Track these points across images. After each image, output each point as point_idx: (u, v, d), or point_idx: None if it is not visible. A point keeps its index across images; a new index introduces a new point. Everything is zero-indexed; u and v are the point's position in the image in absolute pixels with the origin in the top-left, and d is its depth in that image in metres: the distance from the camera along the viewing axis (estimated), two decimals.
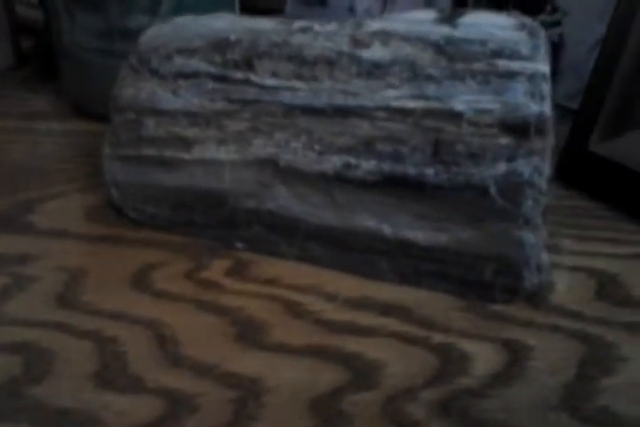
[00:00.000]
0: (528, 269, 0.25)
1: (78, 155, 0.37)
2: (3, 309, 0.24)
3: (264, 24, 0.28)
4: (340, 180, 0.26)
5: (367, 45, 0.26)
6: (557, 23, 0.50)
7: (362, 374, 0.22)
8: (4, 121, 0.41)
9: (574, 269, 0.29)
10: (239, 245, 0.29)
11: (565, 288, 0.28)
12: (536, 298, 0.26)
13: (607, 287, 0.28)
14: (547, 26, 0.51)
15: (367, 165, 0.26)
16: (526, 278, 0.25)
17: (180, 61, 0.28)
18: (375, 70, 0.26)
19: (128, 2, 0.37)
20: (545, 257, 0.25)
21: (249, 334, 0.24)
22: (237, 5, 0.44)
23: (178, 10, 0.38)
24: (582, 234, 0.32)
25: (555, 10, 0.50)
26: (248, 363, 0.22)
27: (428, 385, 0.22)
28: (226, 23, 0.29)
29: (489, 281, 0.26)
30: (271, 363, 0.22)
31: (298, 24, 0.28)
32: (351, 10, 0.56)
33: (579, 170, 0.36)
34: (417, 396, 0.21)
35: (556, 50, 0.49)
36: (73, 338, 0.23)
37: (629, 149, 0.34)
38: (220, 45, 0.28)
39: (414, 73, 0.25)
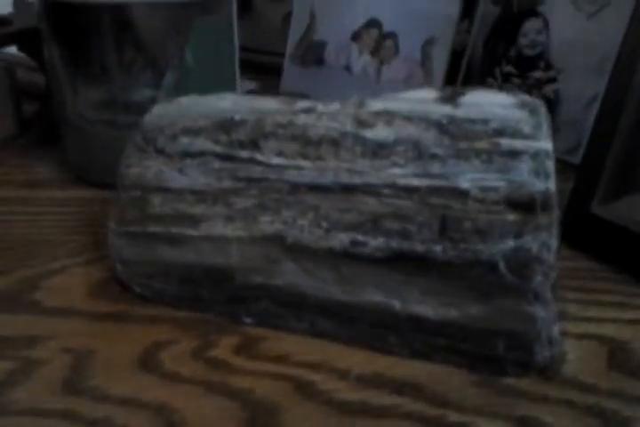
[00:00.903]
0: (540, 344, 0.25)
1: (80, 225, 0.37)
2: (9, 397, 0.23)
3: (267, 104, 0.29)
4: (348, 256, 0.26)
5: (371, 125, 0.27)
6: (553, 80, 0.51)
7: None
8: (5, 190, 0.41)
9: (584, 336, 0.29)
10: (247, 320, 0.28)
11: (576, 358, 0.27)
12: (548, 371, 0.26)
13: (618, 356, 0.28)
14: (542, 83, 0.52)
15: (375, 242, 0.26)
16: (538, 353, 0.25)
17: (185, 141, 0.29)
18: (380, 150, 0.26)
19: (131, 75, 0.38)
20: (556, 330, 0.25)
21: (261, 418, 0.23)
22: (238, 72, 0.45)
23: (180, 84, 0.39)
24: (587, 298, 0.32)
25: (549, 67, 0.51)
26: None
27: None
28: (230, 103, 0.30)
29: (501, 356, 0.26)
30: None
31: (301, 104, 0.29)
32: (347, 69, 0.58)
33: (581, 231, 0.36)
34: None
35: (553, 106, 0.50)
36: None
37: (632, 212, 0.34)
38: (225, 125, 0.28)
39: (419, 152, 0.26)
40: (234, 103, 0.30)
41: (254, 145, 0.28)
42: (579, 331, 0.29)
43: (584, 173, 0.36)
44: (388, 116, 0.27)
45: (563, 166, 0.45)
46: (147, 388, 0.24)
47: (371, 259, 0.26)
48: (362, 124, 0.27)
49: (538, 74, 0.51)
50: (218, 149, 0.28)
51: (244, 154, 0.28)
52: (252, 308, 0.28)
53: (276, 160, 0.28)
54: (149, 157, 0.29)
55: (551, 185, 0.25)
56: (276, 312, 0.28)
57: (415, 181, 0.26)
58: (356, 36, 0.57)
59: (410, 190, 0.26)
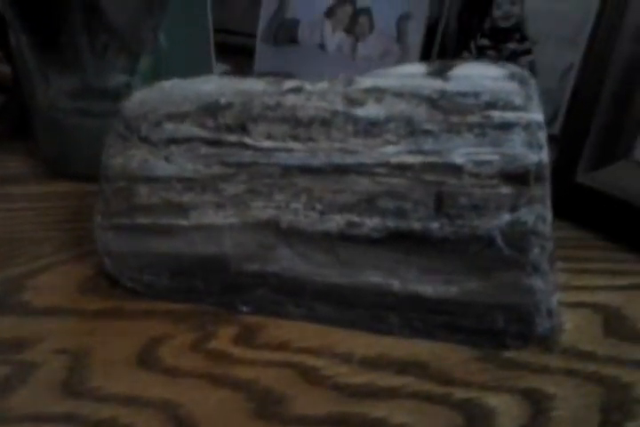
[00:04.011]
0: (539, 315, 0.25)
1: (61, 220, 0.36)
2: (6, 403, 0.23)
3: (253, 85, 0.28)
4: (344, 238, 0.26)
5: (361, 103, 0.26)
6: (528, 51, 0.51)
7: None
8: None
9: (578, 305, 0.29)
10: (244, 308, 0.28)
11: (573, 327, 0.28)
12: (548, 342, 0.26)
13: (613, 322, 0.28)
14: (517, 54, 0.52)
15: (371, 223, 0.25)
16: (538, 324, 0.25)
17: (170, 127, 0.28)
18: (372, 128, 0.26)
19: (104, 61, 0.37)
20: (554, 301, 0.25)
21: (268, 408, 0.23)
22: (213, 55, 0.44)
23: (156, 68, 0.38)
24: (578, 267, 0.32)
25: (524, 38, 0.51)
26: None
27: None
28: (214, 86, 0.29)
29: (501, 329, 0.26)
30: None
31: (288, 84, 0.28)
32: (322, 47, 0.57)
33: (568, 201, 0.36)
34: None
35: None
36: None
37: (617, 179, 0.35)
38: (211, 109, 0.27)
39: (411, 129, 0.26)
40: (218, 86, 0.29)
41: (242, 129, 0.27)
42: (573, 300, 0.29)
43: (567, 143, 0.36)
44: (379, 93, 0.26)
45: None
46: (149, 385, 0.24)
47: (367, 240, 0.26)
48: (352, 102, 0.26)
49: (513, 46, 0.51)
50: (204, 134, 0.27)
51: (233, 138, 0.27)
52: (249, 296, 0.28)
53: (265, 143, 0.27)
54: (133, 146, 0.28)
55: (544, 156, 0.25)
56: (274, 299, 0.28)
57: (409, 159, 0.25)
58: (329, 13, 0.55)
59: (403, 168, 0.25)
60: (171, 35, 0.38)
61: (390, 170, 0.26)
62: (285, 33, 0.58)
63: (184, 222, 0.27)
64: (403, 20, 0.51)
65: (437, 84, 0.26)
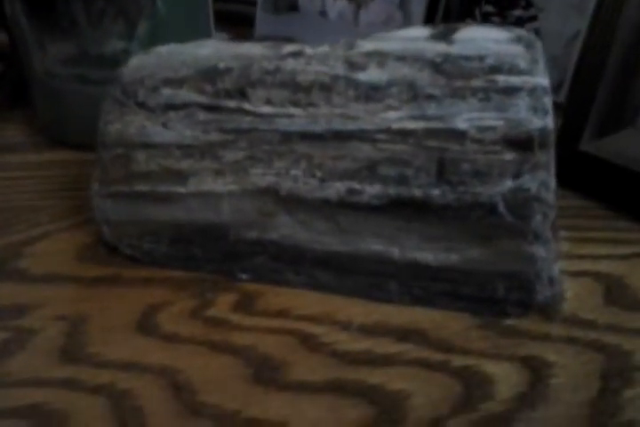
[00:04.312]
0: (540, 283, 0.25)
1: (60, 189, 0.35)
2: (4, 368, 0.23)
3: (252, 49, 0.28)
4: (345, 205, 0.26)
5: (363, 67, 0.26)
6: (533, 18, 0.50)
7: (386, 408, 0.22)
8: None
9: (580, 274, 0.29)
10: (243, 276, 0.28)
11: (574, 296, 0.27)
12: (549, 310, 0.26)
13: (614, 291, 0.28)
14: (522, 21, 0.51)
15: (371, 190, 0.25)
16: (539, 292, 0.25)
17: (167, 92, 0.27)
18: (373, 93, 0.25)
19: (102, 26, 0.36)
20: (556, 269, 0.25)
21: (266, 374, 0.23)
22: (212, 22, 0.43)
23: (154, 34, 0.37)
24: (581, 236, 0.32)
25: (529, 5, 0.50)
26: (269, 406, 0.22)
27: (453, 414, 0.22)
28: (211, 50, 0.28)
29: (502, 297, 0.26)
30: (293, 404, 0.22)
31: (287, 48, 0.27)
32: (323, 14, 0.56)
33: (571, 169, 0.36)
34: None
35: None
36: (84, 395, 0.22)
37: (622, 148, 0.34)
38: (210, 74, 0.27)
39: (413, 93, 0.25)
40: (216, 50, 0.28)
41: (241, 94, 0.26)
42: (574, 269, 0.29)
43: (571, 110, 0.35)
44: (380, 57, 0.26)
45: None
46: (147, 351, 0.24)
47: (368, 207, 0.25)
48: (353, 66, 0.26)
49: (518, 12, 0.50)
50: (203, 99, 0.27)
51: (231, 104, 0.27)
52: (248, 264, 0.28)
53: (264, 109, 0.26)
54: (130, 112, 0.28)
55: (549, 122, 0.24)
56: (273, 267, 0.27)
57: (411, 124, 0.25)
58: None
59: (405, 134, 0.25)
60: (170, 2, 0.37)
61: (392, 136, 0.25)
62: (286, 0, 0.57)
63: (182, 189, 0.27)
64: None
65: (441, 47, 0.25)
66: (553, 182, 0.25)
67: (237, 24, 0.64)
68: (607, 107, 0.35)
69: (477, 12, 0.53)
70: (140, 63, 0.29)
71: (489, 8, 0.52)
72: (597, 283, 0.28)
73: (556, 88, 0.47)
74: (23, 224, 0.31)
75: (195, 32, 0.40)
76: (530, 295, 0.25)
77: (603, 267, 0.29)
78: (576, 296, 0.27)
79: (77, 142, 0.38)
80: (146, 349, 0.24)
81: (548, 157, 0.24)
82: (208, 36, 0.41)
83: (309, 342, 0.24)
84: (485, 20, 0.52)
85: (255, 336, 0.25)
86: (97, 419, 0.21)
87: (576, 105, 0.35)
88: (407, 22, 0.50)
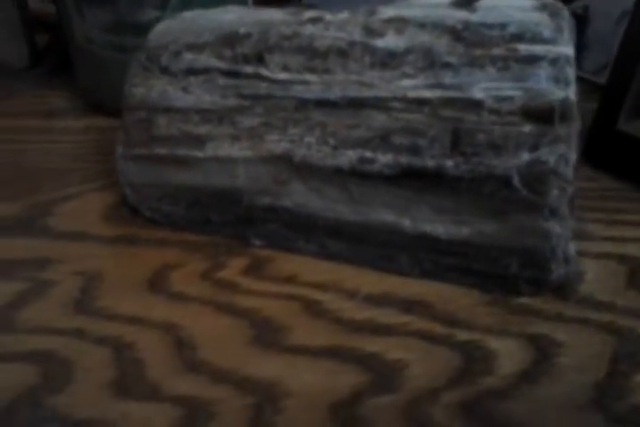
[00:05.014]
0: (555, 261, 0.24)
1: (94, 153, 0.36)
2: (20, 316, 0.24)
3: (274, 15, 0.28)
4: (357, 174, 0.25)
5: (381, 34, 0.25)
6: None
7: (383, 375, 0.22)
8: (21, 120, 0.41)
9: (603, 256, 0.28)
10: (256, 241, 0.28)
11: (594, 278, 0.26)
12: (564, 290, 0.25)
13: (638, 275, 0.27)
14: None
15: (384, 159, 0.25)
16: (553, 270, 0.24)
17: (189, 57, 0.28)
18: (390, 60, 0.25)
19: None
20: (572, 248, 0.24)
21: (267, 336, 0.23)
22: None
23: (188, 3, 0.37)
24: (611, 218, 0.31)
25: None
26: (266, 367, 0.22)
27: (451, 387, 0.21)
28: (235, 16, 0.28)
29: (514, 274, 0.25)
30: (289, 366, 0.22)
31: (308, 14, 0.27)
32: None
33: (607, 150, 0.34)
34: (439, 398, 0.21)
35: (582, 23, 0.47)
36: (91, 345, 0.23)
37: None
38: (230, 39, 0.27)
39: (431, 61, 0.24)
40: (239, 16, 0.28)
41: (259, 59, 0.27)
42: (599, 250, 0.28)
43: (610, 89, 0.34)
44: (400, 24, 0.25)
45: (591, 87, 0.43)
46: (155, 308, 0.24)
47: (380, 176, 0.25)
48: (371, 32, 0.25)
49: None
50: (222, 64, 0.27)
51: (249, 69, 0.27)
52: (261, 230, 0.28)
53: (281, 75, 0.26)
54: (153, 76, 0.28)
55: (571, 93, 0.23)
56: (286, 234, 0.28)
57: (426, 93, 0.24)
58: None
59: (421, 103, 0.24)
60: None
61: (407, 105, 0.25)
62: None
63: (200, 154, 0.27)
64: None
65: (462, 14, 0.25)
66: (573, 157, 0.24)
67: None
68: None
69: None
70: (166, 28, 0.29)
71: None
72: (621, 266, 0.27)
73: (601, 70, 0.45)
74: (54, 184, 0.33)
75: (230, 2, 0.40)
76: (544, 273, 0.24)
77: (629, 250, 0.28)
78: (596, 278, 0.26)
79: (114, 108, 0.39)
80: (154, 305, 0.24)
81: (568, 131, 0.23)
82: (244, 4, 0.41)
83: (313, 308, 0.25)
84: None
85: (261, 300, 0.25)
86: (99, 368, 0.22)
87: (614, 83, 0.33)
88: None
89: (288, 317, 0.24)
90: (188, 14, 0.29)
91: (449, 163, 0.24)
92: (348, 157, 0.25)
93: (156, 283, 0.26)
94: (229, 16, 0.28)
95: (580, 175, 0.33)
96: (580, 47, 0.48)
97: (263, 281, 0.26)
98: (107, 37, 0.38)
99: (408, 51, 0.25)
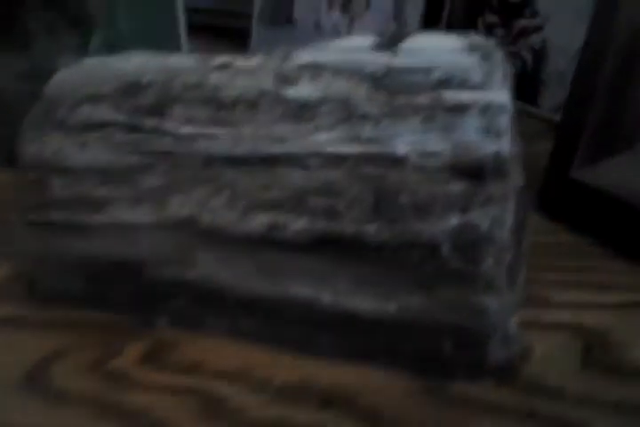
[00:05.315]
0: (493, 342, 0.21)
1: None
2: None
3: (182, 62, 0.25)
4: (269, 242, 0.22)
5: (294, 82, 0.22)
6: (539, 28, 0.46)
7: None
8: None
9: (556, 326, 0.24)
10: (161, 320, 0.24)
11: (543, 356, 0.23)
12: (506, 374, 0.22)
13: (595, 350, 0.23)
14: (527, 32, 0.47)
15: (297, 225, 0.21)
16: (492, 352, 0.21)
17: (87, 110, 0.25)
18: (302, 111, 0.22)
19: (54, 40, 0.34)
20: (513, 324, 0.21)
21: None
22: (184, 34, 0.40)
23: (113, 47, 0.35)
24: (566, 279, 0.27)
25: (535, 13, 0.46)
26: None
27: None
28: (140, 63, 0.25)
29: (448, 356, 0.21)
30: None
31: (218, 60, 0.24)
32: (317, 26, 0.53)
33: (561, 199, 0.31)
34: None
35: (539, 58, 0.45)
36: None
37: (617, 175, 0.29)
38: (130, 90, 0.24)
39: (348, 112, 0.21)
40: (143, 63, 0.25)
41: (160, 112, 0.23)
42: (552, 320, 0.25)
43: (563, 134, 0.31)
44: (315, 70, 0.22)
45: (550, 126, 0.40)
46: (28, 412, 0.21)
47: (294, 244, 0.22)
48: (284, 80, 0.22)
49: (523, 22, 0.46)
50: (121, 118, 0.24)
51: (150, 123, 0.24)
52: (166, 306, 0.24)
53: (185, 129, 0.23)
54: (48, 132, 0.25)
55: (504, 146, 0.20)
56: (193, 311, 0.24)
57: (344, 148, 0.21)
58: None
59: (339, 159, 0.21)
60: (130, 9, 0.35)
61: (324, 161, 0.21)
62: (281, 12, 0.54)
63: (99, 219, 0.24)
64: None
65: (384, 58, 0.22)
66: (510, 219, 0.20)
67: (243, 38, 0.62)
68: (600, 130, 0.30)
69: (480, 23, 0.49)
70: (65, 78, 0.26)
71: (493, 18, 0.48)
72: (576, 339, 0.24)
73: (560, 107, 0.42)
74: None
75: (162, 43, 0.38)
76: (481, 356, 0.21)
77: (586, 318, 0.25)
78: (545, 356, 0.23)
79: None
80: (28, 409, 0.21)
81: (503, 189, 0.20)
82: (178, 48, 0.39)
83: (215, 406, 0.21)
84: (489, 31, 0.48)
85: (155, 396, 0.21)
86: None
87: (567, 128, 0.30)
88: None
89: (183, 418, 0.20)
90: (90, 62, 0.26)
91: (369, 228, 0.21)
92: (259, 223, 0.22)
93: (35, 377, 0.22)
94: (134, 63, 0.25)
95: (535, 228, 0.30)
96: (538, 84, 0.45)
97: (161, 372, 0.22)
98: (22, 85, 0.35)
99: (322, 101, 0.22)
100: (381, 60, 0.22)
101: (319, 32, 0.52)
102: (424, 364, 0.22)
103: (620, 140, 0.30)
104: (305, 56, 0.23)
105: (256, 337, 0.23)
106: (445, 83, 0.21)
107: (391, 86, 0.21)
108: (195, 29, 0.43)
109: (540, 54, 0.45)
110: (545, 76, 0.45)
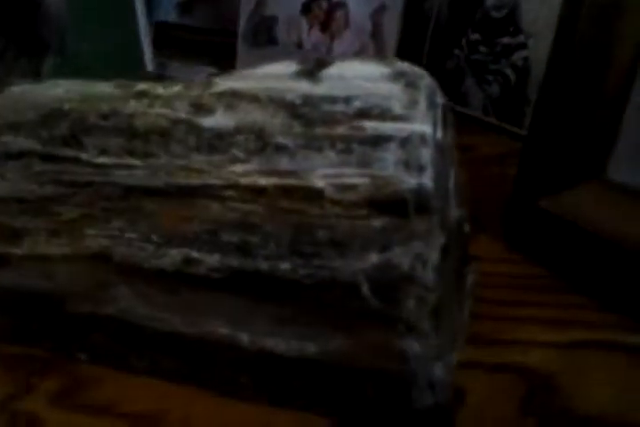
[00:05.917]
0: (417, 388, 0.19)
1: None
2: None
3: (102, 89, 0.24)
4: (183, 278, 0.21)
5: (210, 111, 0.21)
6: (522, 46, 0.44)
7: None
8: None
9: (498, 368, 0.23)
10: (82, 356, 0.23)
11: (480, 401, 0.21)
12: (436, 422, 0.20)
13: (538, 396, 0.22)
14: (510, 49, 0.45)
15: (211, 260, 0.20)
16: (416, 400, 0.19)
17: (8, 139, 0.24)
18: (217, 141, 0.21)
19: (4, 64, 0.33)
20: (440, 370, 0.19)
21: None
22: (149, 57, 0.39)
23: (67, 71, 0.34)
24: (517, 314, 0.26)
25: (518, 31, 0.44)
26: None
27: None
28: (62, 91, 0.24)
29: (371, 402, 0.20)
30: None
31: (138, 87, 0.23)
32: (299, 46, 0.52)
33: (525, 229, 0.29)
34: None
35: (523, 75, 0.43)
36: None
37: (583, 204, 0.28)
38: (48, 119, 0.23)
39: (263, 143, 0.20)
40: (66, 91, 0.25)
41: (76, 141, 0.23)
42: (494, 360, 0.23)
43: (527, 160, 0.29)
44: (232, 98, 0.21)
45: None
46: None
47: (208, 281, 0.21)
48: (200, 109, 0.21)
49: (506, 40, 0.44)
50: (39, 147, 0.23)
51: (68, 152, 0.23)
52: (85, 342, 0.23)
53: (100, 159, 0.22)
54: None
55: (427, 180, 0.19)
56: (113, 348, 0.23)
57: (261, 180, 0.20)
58: (305, 10, 0.50)
59: (256, 192, 0.20)
60: (85, 31, 0.34)
61: (241, 194, 0.20)
62: (264, 32, 0.54)
63: (16, 251, 0.23)
64: (377, 13, 0.45)
65: (304, 87, 0.21)
66: (434, 257, 0.19)
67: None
68: (566, 155, 0.28)
69: (464, 42, 0.47)
70: None
71: (476, 36, 0.47)
72: (519, 383, 0.22)
73: None
74: None
75: (122, 64, 0.37)
76: (404, 403, 0.19)
77: (532, 359, 0.23)
78: (482, 402, 0.21)
79: None
80: None
81: (427, 225, 0.19)
82: (139, 67, 0.38)
83: None
84: (472, 49, 0.47)
85: None
86: None
87: (531, 154, 0.29)
88: (380, 52, 0.46)
89: None
90: (15, 90, 0.26)
91: (285, 265, 0.20)
92: (172, 258, 0.21)
93: None
94: (57, 91, 0.25)
95: (493, 257, 0.28)
96: (523, 103, 0.44)
97: (72, 413, 0.21)
98: None
99: (238, 130, 0.21)
100: (301, 88, 0.21)
101: (300, 51, 0.51)
102: (346, 409, 0.20)
103: (586, 167, 0.28)
104: (226, 83, 0.22)
105: (177, 377, 0.22)
106: (365, 113, 0.20)
107: (309, 116, 0.20)
108: (182, 46, 0.43)
109: (523, 72, 0.44)
110: (529, 95, 0.44)
